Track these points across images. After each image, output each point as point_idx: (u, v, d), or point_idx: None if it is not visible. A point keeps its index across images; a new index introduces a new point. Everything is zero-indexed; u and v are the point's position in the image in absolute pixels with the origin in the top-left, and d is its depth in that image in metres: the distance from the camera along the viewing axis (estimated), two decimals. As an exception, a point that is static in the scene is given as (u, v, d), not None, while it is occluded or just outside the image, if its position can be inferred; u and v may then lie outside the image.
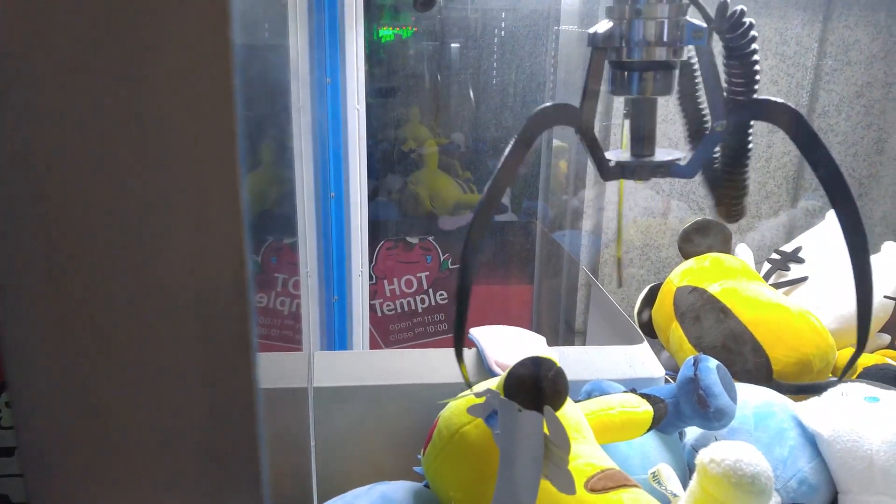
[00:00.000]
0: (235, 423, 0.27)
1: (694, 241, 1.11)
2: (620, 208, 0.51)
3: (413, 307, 1.67)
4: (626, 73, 0.42)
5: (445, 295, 1.68)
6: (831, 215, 1.20)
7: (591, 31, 0.41)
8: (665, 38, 0.40)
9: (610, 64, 0.42)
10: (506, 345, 0.82)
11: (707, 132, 0.43)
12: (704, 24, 0.40)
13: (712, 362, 0.73)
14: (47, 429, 0.25)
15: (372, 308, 1.61)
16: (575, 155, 1.51)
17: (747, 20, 0.41)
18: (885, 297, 1.06)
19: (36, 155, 0.23)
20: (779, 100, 0.41)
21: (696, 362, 0.73)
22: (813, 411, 0.75)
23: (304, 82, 1.16)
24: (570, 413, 0.61)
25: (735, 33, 0.41)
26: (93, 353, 0.25)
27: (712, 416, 0.71)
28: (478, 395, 0.49)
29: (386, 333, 1.66)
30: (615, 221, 1.38)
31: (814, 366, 0.90)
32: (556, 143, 1.62)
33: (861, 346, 0.46)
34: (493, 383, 0.63)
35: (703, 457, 0.60)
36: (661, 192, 1.38)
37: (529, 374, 0.47)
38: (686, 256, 1.11)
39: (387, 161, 1.63)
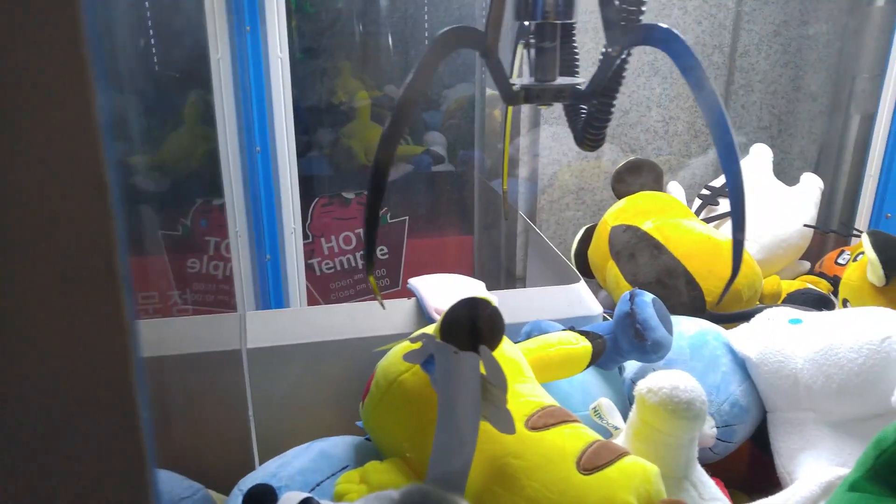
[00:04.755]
0: (113, 398, 0.24)
1: (627, 181, 1.13)
2: (507, 142, 0.52)
3: (353, 264, 1.64)
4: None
5: (386, 250, 1.66)
6: (755, 149, 1.23)
7: None
8: None
9: None
10: (445, 292, 0.81)
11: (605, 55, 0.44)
12: None
13: (648, 296, 0.74)
14: None
15: (310, 267, 1.57)
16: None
17: None
18: (805, 225, 1.11)
19: None
20: (664, 25, 0.43)
21: (631, 297, 0.74)
22: (742, 337, 0.77)
23: (222, 31, 1.10)
24: (509, 353, 0.60)
25: None
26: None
27: (649, 349, 0.72)
28: (413, 339, 0.47)
29: (326, 292, 1.63)
30: (551, 167, 1.38)
31: (743, 294, 0.94)
32: (489, 91, 1.60)
33: (735, 271, 0.47)
34: (430, 330, 0.62)
35: (640, 387, 0.61)
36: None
37: (464, 315, 0.46)
38: (619, 196, 1.12)
39: (317, 115, 1.57)
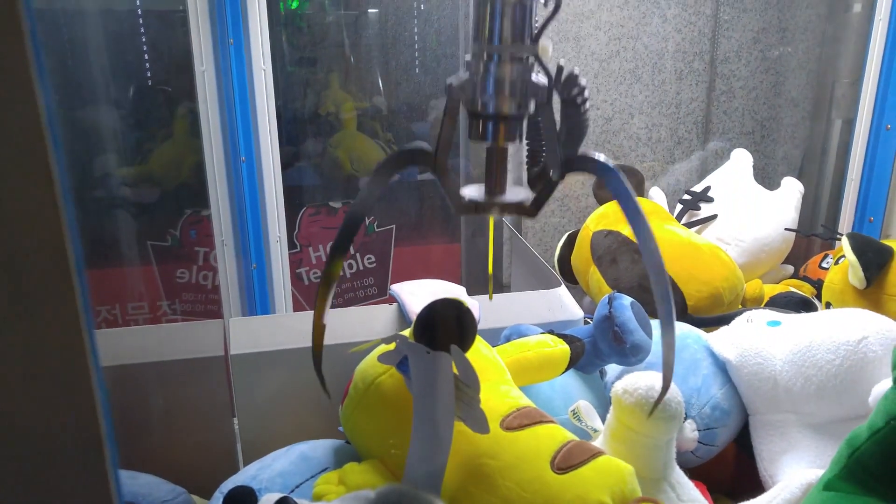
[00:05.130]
0: (70, 403, 0.24)
1: (608, 187, 1.13)
2: (491, 240, 0.56)
3: (341, 273, 1.65)
4: (479, 121, 0.45)
5: (373, 259, 1.66)
6: (735, 154, 1.24)
7: (449, 81, 0.45)
8: (513, 94, 0.43)
9: (467, 112, 0.46)
10: (426, 297, 0.81)
11: (547, 178, 0.47)
12: (546, 83, 0.44)
13: (626, 299, 0.75)
14: None
15: (298, 276, 1.57)
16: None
17: (581, 82, 0.45)
18: (786, 229, 1.12)
19: None
20: (602, 158, 0.47)
21: (610, 300, 0.74)
22: (722, 339, 0.78)
23: (207, 44, 1.11)
24: (487, 355, 0.61)
25: (569, 94, 0.45)
26: None
27: (629, 352, 0.72)
28: (386, 341, 0.48)
29: (314, 302, 1.63)
30: (535, 174, 1.39)
31: (724, 298, 0.94)
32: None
33: (665, 389, 0.51)
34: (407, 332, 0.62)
35: (616, 389, 0.61)
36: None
37: (436, 316, 0.46)
38: (601, 202, 1.13)
39: (305, 126, 1.58)
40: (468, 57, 0.45)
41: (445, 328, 0.46)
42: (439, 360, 0.44)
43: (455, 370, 0.45)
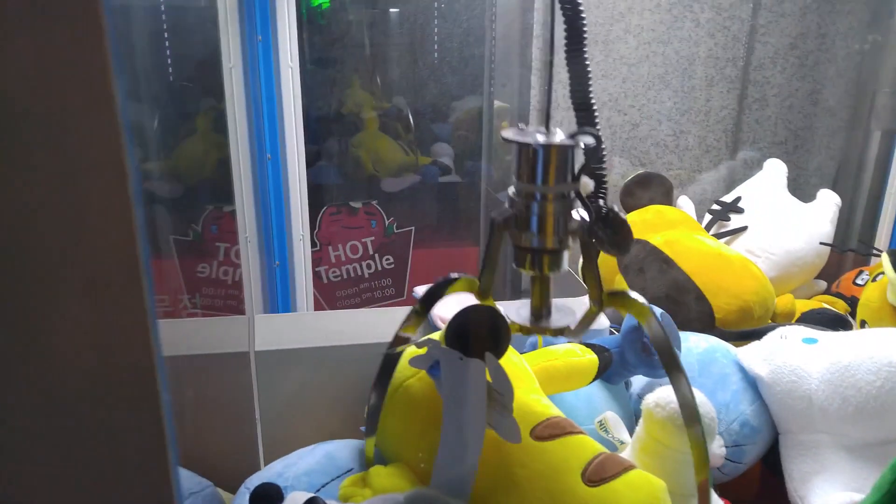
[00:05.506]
0: (135, 396, 0.25)
1: (636, 195, 1.12)
2: (540, 342, 0.61)
3: (359, 273, 1.64)
4: (524, 253, 0.48)
5: (392, 259, 1.66)
6: (769, 164, 1.22)
7: (493, 215, 0.47)
8: (555, 230, 0.46)
9: (512, 243, 0.48)
10: (450, 300, 0.80)
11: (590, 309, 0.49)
12: (587, 218, 0.46)
13: (656, 310, 0.73)
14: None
15: (317, 275, 1.57)
16: (517, 115, 1.49)
17: (620, 218, 0.46)
18: (821, 243, 1.09)
19: None
20: (639, 297, 0.49)
21: (640, 311, 0.73)
22: (754, 355, 0.76)
23: (235, 40, 1.11)
24: (516, 362, 0.60)
25: (609, 228, 0.46)
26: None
27: (657, 364, 0.71)
28: (419, 345, 0.47)
29: (332, 300, 1.63)
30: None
31: (754, 312, 0.92)
32: (497, 104, 1.60)
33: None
34: (436, 336, 0.61)
35: (648, 401, 0.60)
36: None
37: (470, 322, 0.45)
38: (628, 210, 1.11)
39: (327, 125, 1.58)
40: (511, 192, 0.47)
41: (479, 334, 0.45)
42: (473, 367, 0.43)
43: (488, 377, 0.44)
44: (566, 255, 0.48)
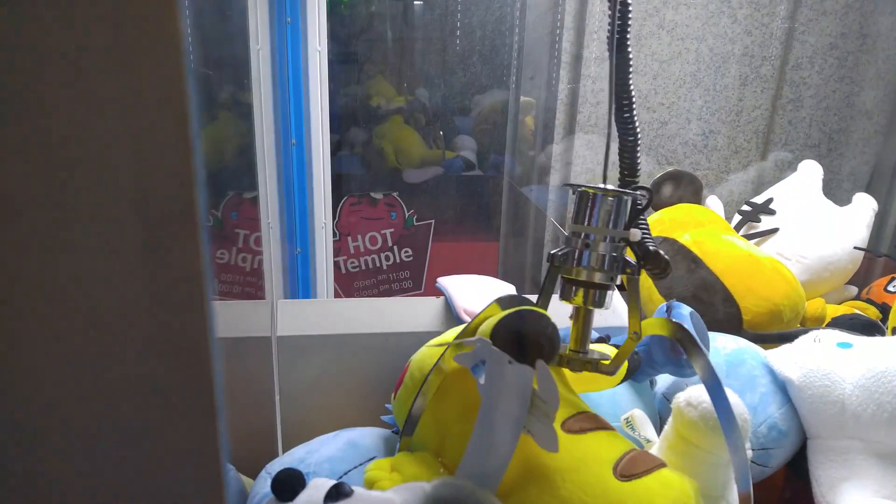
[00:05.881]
0: (189, 375, 0.25)
1: (664, 192, 1.10)
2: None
3: (378, 264, 1.64)
4: (573, 287, 0.53)
5: (410, 252, 1.65)
6: (804, 165, 1.19)
7: (552, 251, 0.53)
8: (605, 268, 0.51)
9: (562, 277, 0.53)
10: (474, 293, 0.79)
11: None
12: (634, 262, 0.52)
13: (686, 309, 0.71)
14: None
15: (336, 265, 1.57)
16: (542, 110, 1.47)
17: (663, 260, 0.53)
18: (855, 248, 1.07)
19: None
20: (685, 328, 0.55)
21: (668, 309, 0.71)
22: (784, 358, 0.74)
23: (263, 22, 1.10)
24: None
25: (655, 268, 0.53)
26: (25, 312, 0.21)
27: (685, 363, 0.69)
28: (467, 343, 0.46)
29: (350, 291, 1.63)
30: (584, 175, 1.36)
31: (784, 316, 0.90)
32: (523, 98, 1.58)
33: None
34: (458, 331, 0.60)
35: (679, 400, 0.58)
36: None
37: (525, 327, 0.45)
38: (656, 208, 1.09)
39: (351, 115, 1.58)
40: (568, 233, 0.53)
41: (533, 340, 0.45)
42: (520, 372, 0.42)
43: (535, 384, 0.43)
44: (611, 294, 0.53)
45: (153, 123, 0.21)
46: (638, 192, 0.52)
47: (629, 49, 0.51)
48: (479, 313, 0.52)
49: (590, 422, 0.52)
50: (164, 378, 0.24)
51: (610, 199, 0.51)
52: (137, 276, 0.22)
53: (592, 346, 0.67)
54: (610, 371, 0.53)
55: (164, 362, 0.24)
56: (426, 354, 0.57)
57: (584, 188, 0.52)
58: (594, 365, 0.53)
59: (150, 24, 0.20)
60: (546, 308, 0.54)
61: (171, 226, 0.22)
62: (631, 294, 0.52)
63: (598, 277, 0.51)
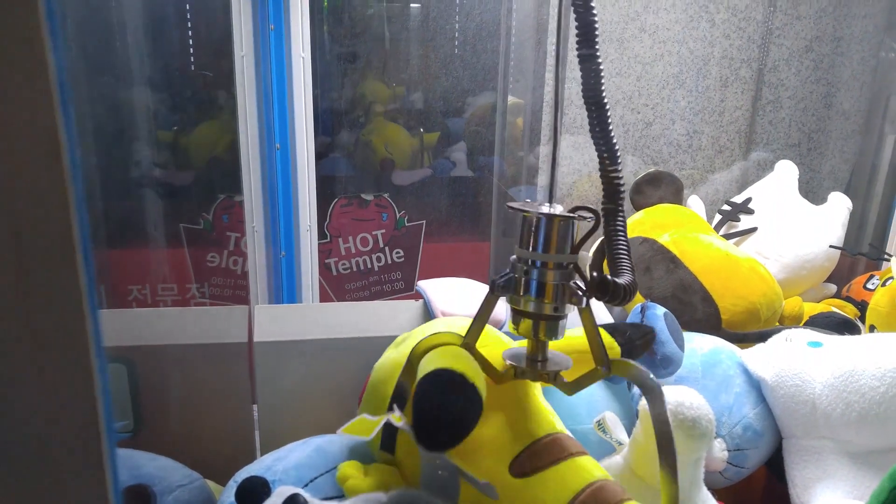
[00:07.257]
0: (75, 393, 0.23)
1: (645, 193, 1.10)
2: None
3: (369, 266, 1.64)
4: (521, 318, 0.48)
5: (402, 253, 1.66)
6: (780, 166, 1.20)
7: (492, 279, 0.48)
8: (553, 298, 0.47)
9: (511, 307, 0.49)
10: (452, 296, 0.80)
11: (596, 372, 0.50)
12: (584, 289, 0.47)
13: (659, 309, 0.72)
14: None
15: (327, 267, 1.57)
16: (530, 112, 1.48)
17: (613, 286, 0.47)
18: (831, 246, 1.08)
19: None
20: (641, 367, 0.50)
21: (643, 309, 0.72)
22: (758, 358, 0.75)
23: (248, 29, 1.11)
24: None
25: (603, 297, 0.47)
26: None
27: (659, 363, 0.70)
28: (372, 419, 0.46)
29: (342, 292, 1.63)
30: (570, 176, 1.37)
31: (761, 314, 0.91)
32: (511, 99, 1.59)
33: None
34: (430, 326, 0.60)
35: (644, 403, 0.59)
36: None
37: (430, 416, 0.43)
38: (637, 208, 1.10)
39: (341, 117, 1.58)
40: (513, 258, 0.48)
41: (439, 428, 0.43)
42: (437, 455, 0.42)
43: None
44: (563, 324, 0.49)
45: (23, 150, 0.20)
46: (579, 215, 0.47)
47: (599, 60, 0.46)
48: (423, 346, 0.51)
49: (549, 454, 0.49)
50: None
51: (554, 222, 0.46)
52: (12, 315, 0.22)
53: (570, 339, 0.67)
54: (568, 390, 0.49)
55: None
56: (389, 368, 0.57)
57: (524, 212, 0.46)
58: (551, 377, 0.49)
59: (17, 52, 0.20)
60: (475, 340, 0.50)
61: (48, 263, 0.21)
62: (587, 325, 0.48)
63: (546, 310, 0.47)
